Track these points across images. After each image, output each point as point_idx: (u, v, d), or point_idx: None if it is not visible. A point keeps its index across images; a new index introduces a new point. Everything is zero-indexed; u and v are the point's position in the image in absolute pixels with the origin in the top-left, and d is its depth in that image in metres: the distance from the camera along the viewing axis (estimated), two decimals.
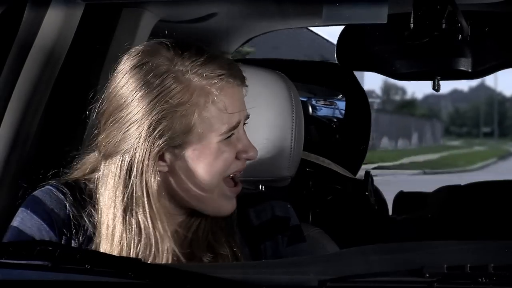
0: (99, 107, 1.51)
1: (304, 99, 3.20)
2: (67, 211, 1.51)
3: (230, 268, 1.39)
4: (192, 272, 1.25)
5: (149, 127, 1.43)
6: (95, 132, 1.51)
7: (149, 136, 1.44)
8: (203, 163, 1.47)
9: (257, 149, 1.57)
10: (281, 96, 1.78)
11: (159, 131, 1.43)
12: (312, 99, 3.34)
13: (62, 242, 1.49)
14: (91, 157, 1.55)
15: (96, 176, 1.51)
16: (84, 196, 1.52)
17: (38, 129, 1.92)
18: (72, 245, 1.50)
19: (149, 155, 1.44)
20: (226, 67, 1.48)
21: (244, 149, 1.51)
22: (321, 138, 3.19)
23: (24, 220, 1.51)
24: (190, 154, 1.47)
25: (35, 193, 1.54)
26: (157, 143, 1.44)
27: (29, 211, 1.52)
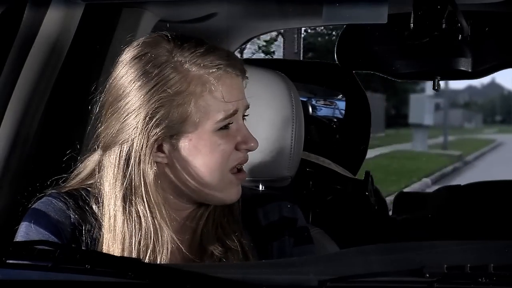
0: (100, 98, 1.52)
1: (304, 99, 3.20)
2: (71, 219, 1.50)
3: (230, 268, 1.39)
4: (192, 272, 1.25)
5: (146, 117, 1.44)
6: (98, 124, 1.52)
7: (146, 125, 1.44)
8: (200, 154, 1.47)
9: (257, 149, 1.57)
10: (281, 96, 1.78)
11: (156, 120, 1.44)
12: (312, 99, 3.34)
13: (79, 248, 1.49)
14: (94, 156, 1.55)
15: (100, 172, 1.52)
16: (87, 201, 1.51)
17: (38, 129, 1.92)
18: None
19: (147, 144, 1.45)
20: (225, 57, 1.48)
21: (244, 140, 1.51)
22: (321, 138, 3.19)
23: (29, 234, 1.50)
24: (187, 144, 1.47)
25: (35, 205, 1.52)
26: (154, 132, 1.45)
27: (33, 225, 1.50)
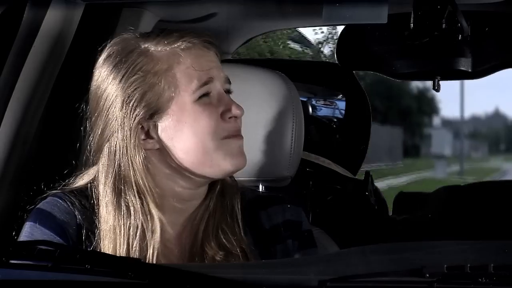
0: (87, 112, 1.54)
1: (304, 99, 3.19)
2: (77, 220, 1.50)
3: (230, 268, 1.39)
4: (192, 272, 1.25)
5: (123, 103, 1.47)
6: (89, 137, 1.53)
7: (125, 112, 1.47)
8: (186, 127, 1.48)
9: (257, 148, 1.57)
10: (281, 96, 1.78)
11: (133, 104, 1.47)
12: (312, 99, 3.33)
13: (79, 248, 1.49)
14: (91, 170, 1.55)
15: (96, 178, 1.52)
16: (89, 201, 1.51)
17: (38, 129, 1.92)
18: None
19: (130, 130, 1.47)
20: (189, 32, 1.52)
21: (227, 107, 1.51)
22: (321, 138, 3.19)
23: (34, 235, 1.49)
24: (170, 122, 1.49)
25: (40, 205, 1.52)
26: (134, 115, 1.47)
27: (38, 225, 1.50)
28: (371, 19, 1.85)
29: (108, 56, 1.52)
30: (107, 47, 1.53)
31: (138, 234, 1.46)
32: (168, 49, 1.49)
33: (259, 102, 1.76)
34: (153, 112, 1.48)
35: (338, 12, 1.86)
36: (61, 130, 1.98)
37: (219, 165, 1.50)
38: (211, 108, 1.49)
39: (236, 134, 1.52)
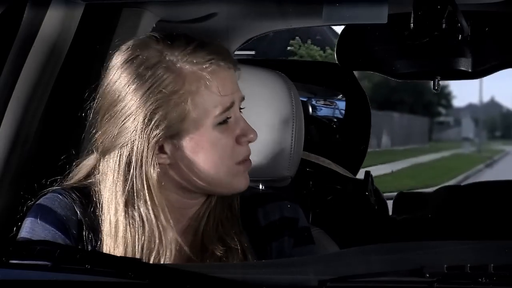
0: (94, 105, 1.52)
1: (304, 99, 3.20)
2: (78, 216, 1.50)
3: (230, 268, 1.39)
4: (192, 272, 1.25)
5: (145, 119, 1.44)
6: (93, 131, 1.52)
7: (145, 128, 1.44)
8: (202, 151, 1.47)
9: (257, 149, 1.57)
10: (281, 96, 1.78)
11: (155, 121, 1.44)
12: (312, 99, 3.33)
13: (79, 248, 1.48)
14: (90, 160, 1.55)
15: (97, 175, 1.51)
16: (89, 198, 1.51)
17: (38, 129, 1.92)
18: (88, 249, 1.49)
19: (147, 146, 1.45)
20: (216, 52, 1.49)
21: (243, 132, 1.50)
22: (321, 138, 3.19)
23: (35, 230, 1.49)
24: (188, 143, 1.47)
25: (40, 201, 1.52)
26: (154, 134, 1.44)
27: (39, 220, 1.49)
28: (371, 19, 1.86)
29: (130, 60, 1.47)
30: (127, 48, 1.49)
31: (153, 252, 1.46)
32: (195, 69, 1.46)
33: (259, 102, 1.76)
34: (174, 134, 1.46)
35: (338, 12, 1.86)
36: (61, 130, 1.98)
37: (225, 187, 1.51)
38: (228, 134, 1.49)
39: (248, 158, 1.53)
